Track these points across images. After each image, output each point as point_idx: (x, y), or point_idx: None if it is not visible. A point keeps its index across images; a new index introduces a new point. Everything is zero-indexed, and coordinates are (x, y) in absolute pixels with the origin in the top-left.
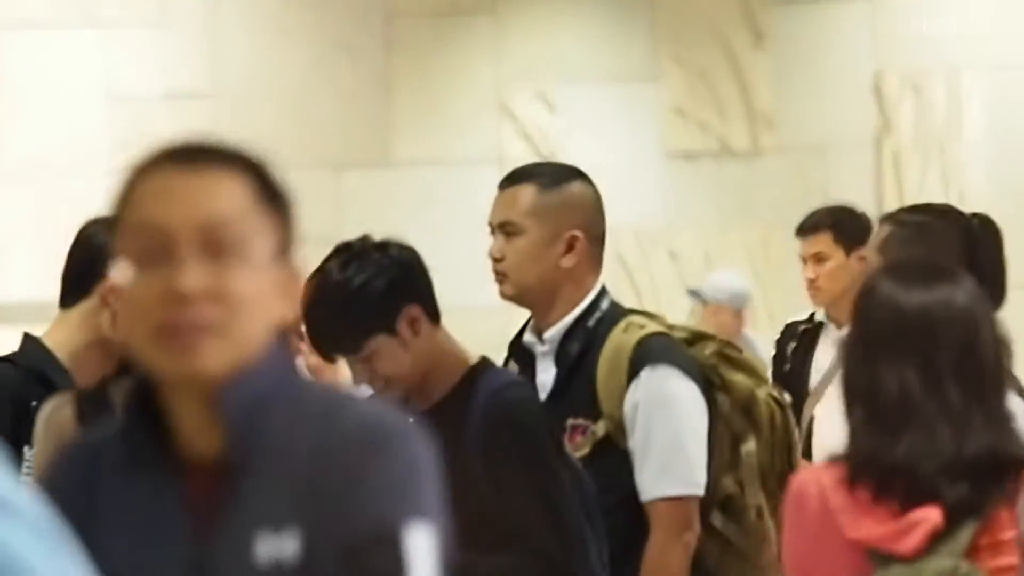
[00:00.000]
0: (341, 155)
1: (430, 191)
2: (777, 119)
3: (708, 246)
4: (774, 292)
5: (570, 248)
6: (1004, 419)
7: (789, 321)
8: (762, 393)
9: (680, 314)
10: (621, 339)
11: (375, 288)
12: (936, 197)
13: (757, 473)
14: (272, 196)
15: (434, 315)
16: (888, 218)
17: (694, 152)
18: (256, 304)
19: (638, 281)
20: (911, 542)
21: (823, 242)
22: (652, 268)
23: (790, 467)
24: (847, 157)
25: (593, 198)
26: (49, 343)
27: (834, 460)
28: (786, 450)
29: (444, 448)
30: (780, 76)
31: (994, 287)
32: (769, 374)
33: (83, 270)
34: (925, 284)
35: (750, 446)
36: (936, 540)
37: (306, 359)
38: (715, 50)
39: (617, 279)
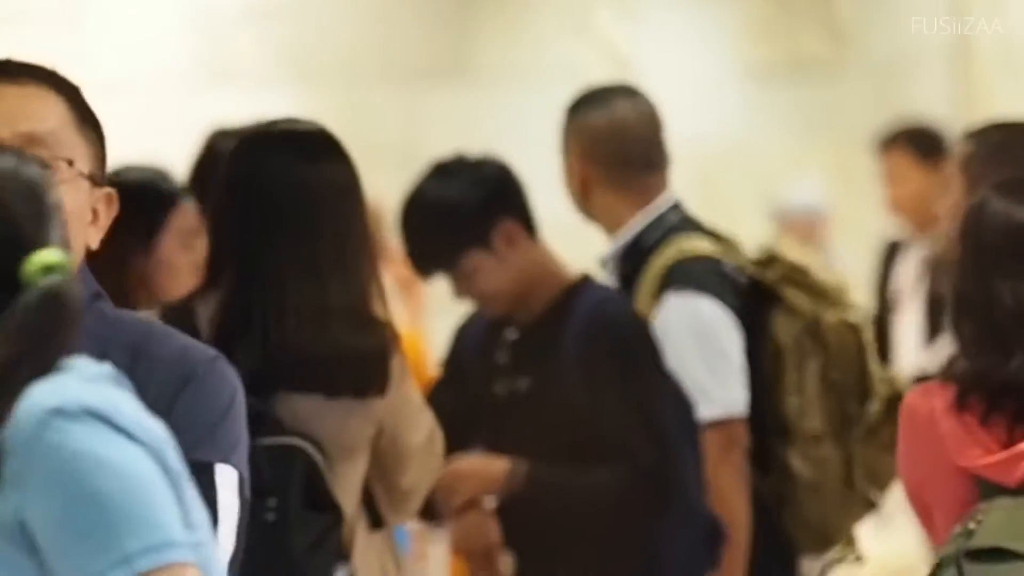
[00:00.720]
0: (419, 69)
1: (509, 105)
2: (856, 34)
3: (786, 163)
4: (852, 209)
5: (583, 180)
6: None
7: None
8: (830, 316)
9: (759, 231)
10: (661, 261)
11: (469, 203)
12: (1020, 113)
13: (818, 395)
14: (87, 118)
15: (530, 229)
16: (969, 136)
17: (772, 67)
18: (72, 223)
19: (715, 197)
20: (1018, 473)
21: (900, 159)
22: (730, 184)
23: (865, 389)
24: (928, 72)
25: (601, 125)
26: None
27: (946, 379)
28: (860, 372)
29: (542, 362)
30: None
31: None
32: (850, 293)
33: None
34: None
35: (812, 368)
36: None
37: (395, 273)
38: None
39: (695, 195)
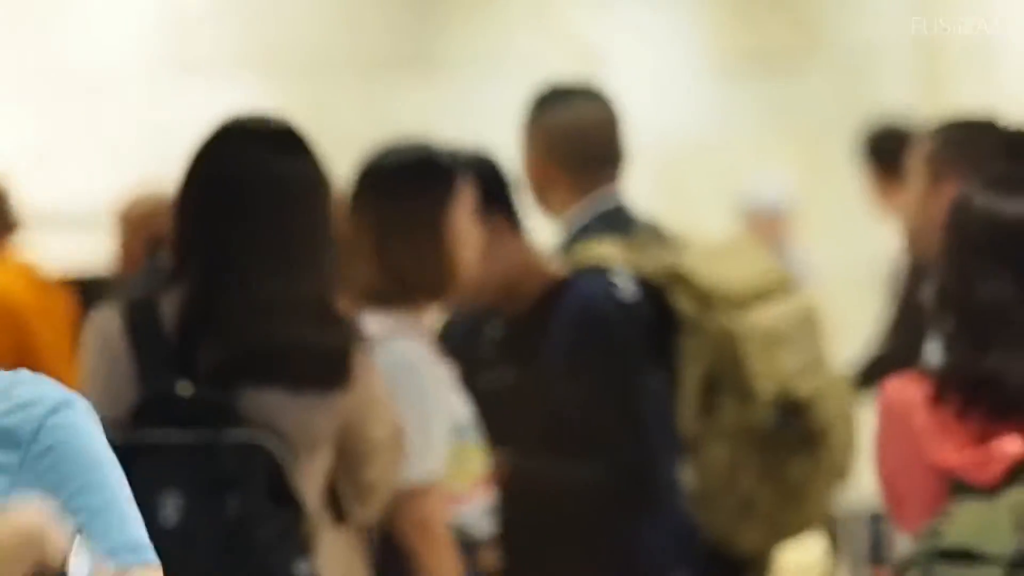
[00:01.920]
0: (385, 62)
1: (474, 95)
2: (823, 28)
3: (754, 156)
4: (821, 203)
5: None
6: None
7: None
8: (710, 321)
9: (722, 225)
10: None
11: None
12: (983, 105)
13: (697, 400)
14: None
15: (517, 224)
16: (933, 131)
17: (738, 59)
18: None
19: (680, 192)
20: (989, 474)
21: (872, 174)
22: (697, 178)
23: (749, 393)
24: (894, 64)
25: (562, 124)
26: None
27: (924, 372)
28: (742, 377)
29: (529, 356)
30: None
31: None
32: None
33: None
34: (1022, 194)
35: (693, 373)
36: (1016, 471)
37: None
38: None
39: (661, 189)
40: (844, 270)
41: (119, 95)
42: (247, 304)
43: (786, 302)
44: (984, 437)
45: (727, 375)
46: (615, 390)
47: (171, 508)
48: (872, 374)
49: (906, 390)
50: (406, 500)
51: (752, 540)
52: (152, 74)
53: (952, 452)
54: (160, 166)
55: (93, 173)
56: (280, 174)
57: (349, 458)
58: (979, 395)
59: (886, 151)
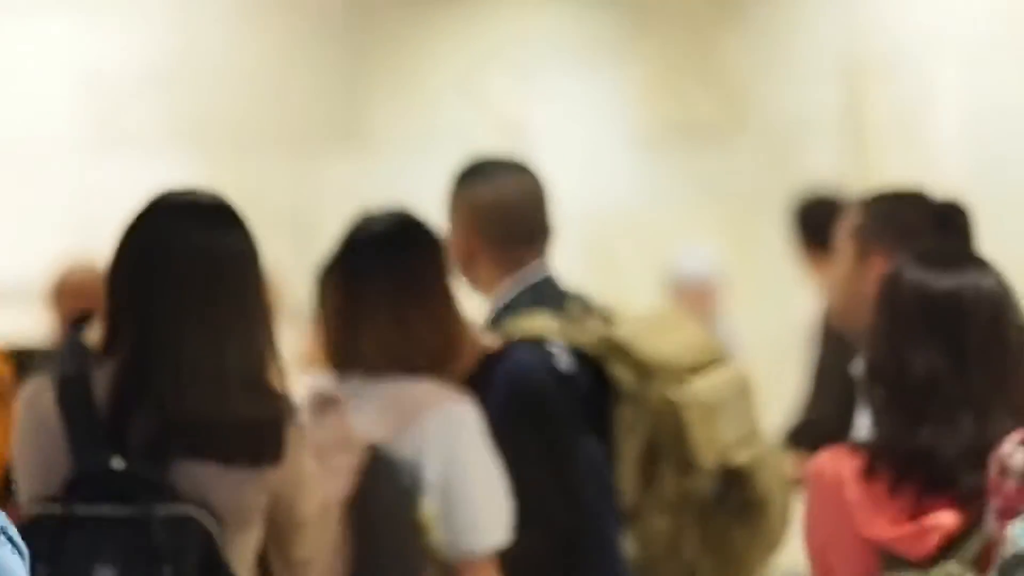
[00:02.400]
0: (313, 137)
1: (403, 170)
2: (748, 99)
3: (679, 228)
4: (750, 274)
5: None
6: None
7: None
8: (652, 391)
9: (651, 296)
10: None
11: None
12: (906, 179)
13: (636, 470)
14: None
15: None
16: (859, 205)
17: (664, 132)
18: None
19: (608, 264)
20: (923, 547)
21: (801, 245)
22: (622, 251)
23: (689, 463)
24: (818, 137)
25: (486, 199)
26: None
27: (855, 446)
28: (682, 447)
29: None
30: (751, 56)
31: None
32: (717, 361)
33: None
34: (953, 268)
35: (631, 444)
36: (948, 546)
37: (302, 347)
38: (686, 30)
39: (586, 262)
40: (772, 340)
41: (48, 167)
42: (177, 378)
43: (721, 372)
44: (917, 511)
45: (667, 445)
46: (550, 458)
47: None
48: (797, 440)
49: (837, 463)
50: (472, 570)
51: None
52: (82, 146)
53: (886, 526)
54: (90, 238)
55: (23, 245)
56: (210, 247)
57: (279, 533)
58: (912, 469)
59: (814, 222)
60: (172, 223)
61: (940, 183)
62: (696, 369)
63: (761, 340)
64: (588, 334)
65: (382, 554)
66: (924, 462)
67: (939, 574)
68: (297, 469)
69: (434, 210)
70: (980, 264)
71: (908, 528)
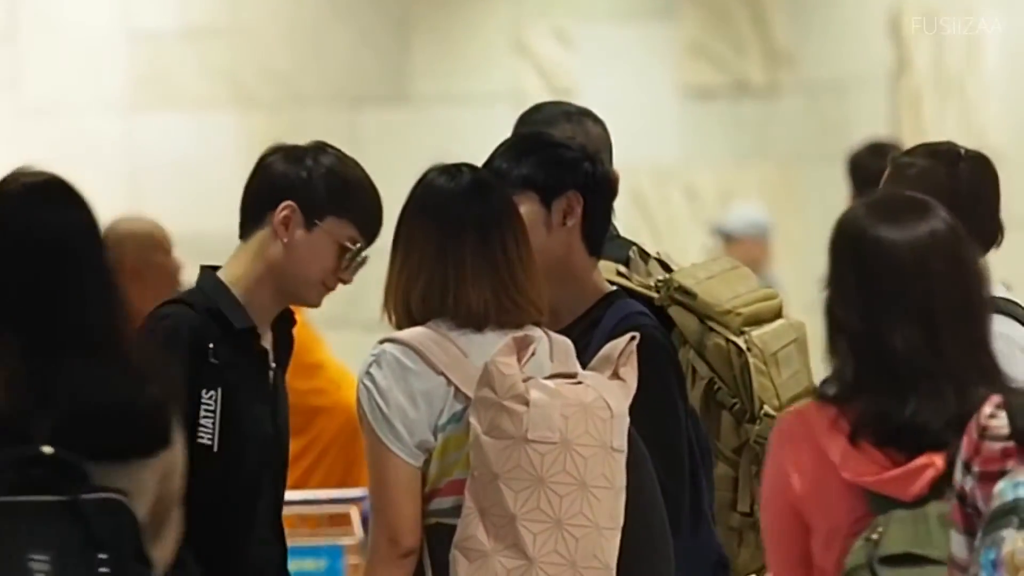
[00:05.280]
0: (358, 92)
1: (446, 128)
2: (794, 56)
3: (725, 184)
4: (792, 229)
5: None
6: (997, 372)
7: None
8: (714, 338)
9: (697, 251)
10: None
11: None
12: (953, 135)
13: (703, 415)
14: None
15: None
16: (894, 159)
17: (710, 89)
18: None
19: (655, 219)
20: (915, 487)
21: (854, 194)
22: (669, 206)
23: (750, 411)
24: (865, 94)
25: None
26: (226, 277)
27: (822, 404)
28: (745, 395)
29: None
30: (797, 13)
31: (983, 225)
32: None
33: (260, 199)
34: (909, 219)
35: (697, 389)
36: (938, 484)
37: None
38: None
39: (634, 217)
40: (816, 296)
41: (93, 125)
42: (60, 368)
43: (781, 322)
44: (904, 462)
45: (728, 392)
46: (648, 418)
47: (40, 571)
48: None
49: (807, 419)
50: None
51: (745, 561)
52: (126, 103)
53: (875, 469)
54: (136, 195)
55: None
56: (53, 225)
57: (157, 509)
58: (900, 439)
59: (868, 172)
60: (15, 205)
61: (984, 138)
62: (758, 317)
63: (805, 296)
64: (651, 279)
65: (651, 526)
66: (911, 435)
67: (934, 511)
68: (178, 446)
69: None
70: (928, 209)
71: (898, 470)
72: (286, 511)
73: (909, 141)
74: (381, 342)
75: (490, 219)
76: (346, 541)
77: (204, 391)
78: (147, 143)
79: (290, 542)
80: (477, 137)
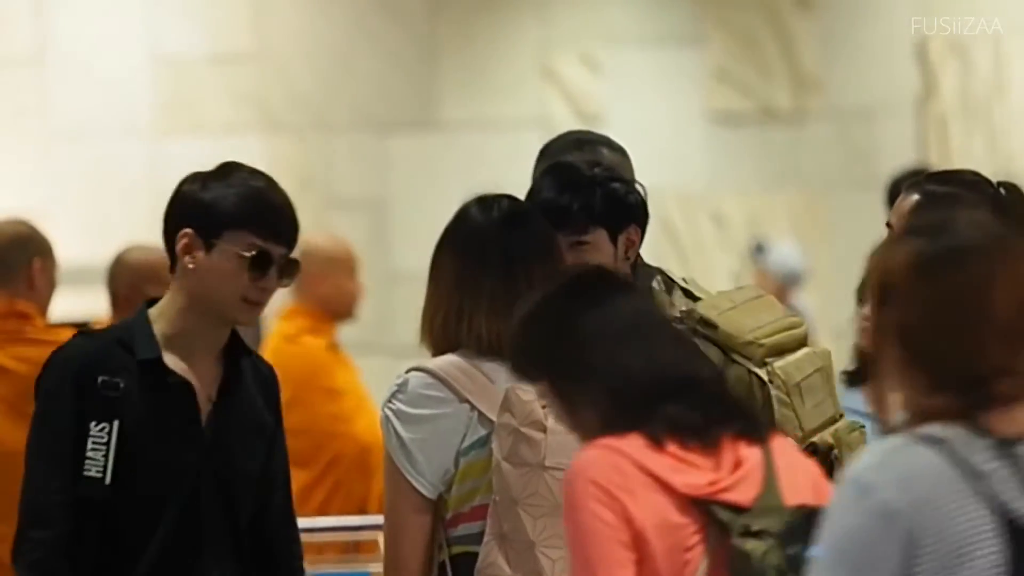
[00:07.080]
0: (385, 118)
1: (474, 154)
2: (821, 82)
3: (752, 209)
4: (819, 255)
5: None
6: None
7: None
8: (736, 369)
9: (724, 276)
10: None
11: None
12: (981, 160)
13: None
14: None
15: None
16: (914, 186)
17: (738, 115)
18: None
19: (682, 244)
20: (752, 490)
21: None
22: (696, 231)
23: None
24: (892, 120)
25: None
26: (155, 309)
27: (609, 438)
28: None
29: None
30: (824, 39)
31: None
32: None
33: (166, 232)
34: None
35: None
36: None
37: None
38: (759, 12)
39: (661, 242)
40: (844, 323)
41: (120, 149)
42: None
43: (806, 352)
44: (719, 461)
45: None
46: None
47: None
48: None
49: (618, 446)
50: None
51: None
52: (153, 128)
53: (703, 478)
54: (161, 220)
55: (95, 228)
56: None
57: None
58: (687, 435)
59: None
60: None
61: (1012, 163)
62: (781, 347)
63: (833, 324)
64: (674, 309)
65: None
66: (690, 427)
67: (778, 507)
68: None
69: (506, 189)
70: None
71: (726, 476)
72: (312, 537)
73: (938, 167)
74: (408, 371)
75: (518, 252)
76: (373, 568)
77: (94, 424)
78: (173, 169)
79: (316, 569)
80: (505, 162)
